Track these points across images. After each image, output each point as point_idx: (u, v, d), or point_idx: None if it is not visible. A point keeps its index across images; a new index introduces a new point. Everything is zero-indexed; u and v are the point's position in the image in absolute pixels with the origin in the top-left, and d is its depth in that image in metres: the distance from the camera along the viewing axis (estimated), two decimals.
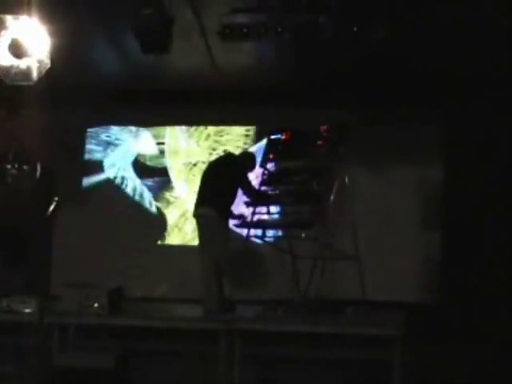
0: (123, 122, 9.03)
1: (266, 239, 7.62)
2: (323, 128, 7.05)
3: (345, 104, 7.96)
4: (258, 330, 6.06)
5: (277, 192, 7.20)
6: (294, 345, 6.46)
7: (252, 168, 7.17)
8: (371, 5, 6.26)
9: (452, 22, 6.38)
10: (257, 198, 7.09)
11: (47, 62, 5.28)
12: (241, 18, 6.51)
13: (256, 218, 7.18)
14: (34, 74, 5.29)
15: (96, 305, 6.09)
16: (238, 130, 8.84)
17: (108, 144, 9.04)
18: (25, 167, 7.52)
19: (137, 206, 8.89)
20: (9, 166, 7.50)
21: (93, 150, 9.04)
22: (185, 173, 8.87)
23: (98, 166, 9.01)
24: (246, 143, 8.79)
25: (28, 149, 7.66)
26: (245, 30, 6.47)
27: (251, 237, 7.39)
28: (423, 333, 6.56)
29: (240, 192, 6.93)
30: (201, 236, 6.89)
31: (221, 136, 8.83)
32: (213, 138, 8.82)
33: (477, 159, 7.80)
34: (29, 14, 5.23)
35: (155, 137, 8.99)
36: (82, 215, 8.70)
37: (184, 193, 8.80)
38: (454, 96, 7.87)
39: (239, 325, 5.98)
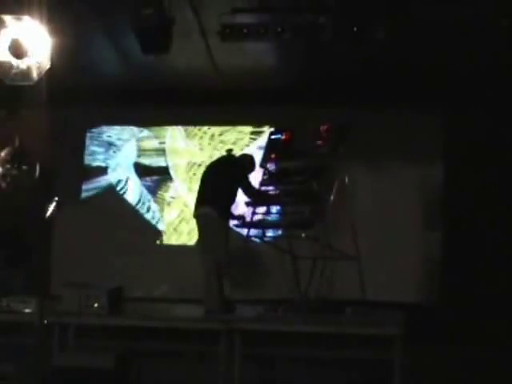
0: (123, 122, 9.01)
1: (266, 239, 7.63)
2: (323, 128, 7.05)
3: (345, 104, 7.96)
4: (258, 329, 6.07)
5: (277, 192, 7.21)
6: (294, 345, 6.46)
7: (251, 170, 7.18)
8: (371, 5, 6.26)
9: (452, 22, 6.38)
10: (257, 198, 7.10)
11: (47, 62, 5.29)
12: (241, 18, 6.51)
13: (256, 217, 7.19)
14: (34, 74, 5.30)
15: (96, 305, 6.10)
16: (241, 130, 8.83)
17: (108, 144, 9.03)
18: (24, 167, 7.52)
19: (137, 206, 8.89)
20: (8, 166, 7.49)
21: (93, 151, 9.03)
22: (185, 173, 8.86)
23: (98, 167, 9.01)
24: (247, 143, 8.78)
25: (28, 149, 7.66)
26: (245, 30, 6.47)
27: (251, 237, 7.40)
28: (423, 333, 6.55)
29: (240, 192, 6.94)
30: (201, 236, 6.90)
31: (224, 136, 8.82)
32: (218, 138, 8.81)
33: (477, 159, 7.80)
34: (29, 14, 5.23)
35: (155, 137, 8.98)
36: (82, 215, 8.70)
37: (184, 193, 8.79)
38: (454, 96, 7.87)
39: (239, 325, 5.98)
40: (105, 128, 9.06)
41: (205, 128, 8.86)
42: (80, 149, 8.98)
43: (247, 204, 7.16)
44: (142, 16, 6.14)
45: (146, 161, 8.96)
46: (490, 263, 7.55)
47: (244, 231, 7.36)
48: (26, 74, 5.27)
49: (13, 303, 6.24)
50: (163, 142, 8.95)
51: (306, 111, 7.98)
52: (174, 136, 8.95)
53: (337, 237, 7.12)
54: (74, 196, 8.75)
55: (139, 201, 8.89)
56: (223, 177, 6.86)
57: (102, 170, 8.98)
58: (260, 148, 8.22)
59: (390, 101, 8.03)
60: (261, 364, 6.65)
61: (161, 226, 8.82)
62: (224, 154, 7.35)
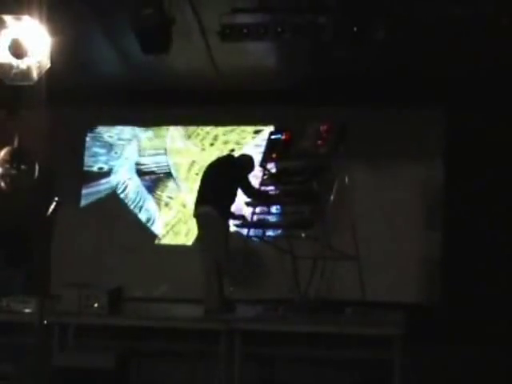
0: (123, 122, 9.01)
1: (266, 239, 7.62)
2: (323, 128, 7.04)
3: (345, 104, 7.96)
4: (258, 329, 6.07)
5: (277, 192, 7.21)
6: (294, 345, 6.46)
7: (251, 170, 7.18)
8: (371, 5, 6.26)
9: (452, 22, 6.38)
10: (257, 198, 7.10)
11: (47, 62, 5.28)
12: (241, 18, 6.50)
13: (256, 217, 7.19)
14: (34, 74, 5.29)
15: (96, 305, 6.10)
16: (243, 129, 8.82)
17: (109, 144, 9.02)
18: (23, 167, 7.51)
19: (136, 206, 8.88)
20: (8, 166, 7.49)
21: (95, 152, 9.02)
22: (185, 172, 8.86)
23: (100, 169, 9.00)
24: (248, 143, 8.77)
25: (27, 149, 7.66)
26: (245, 30, 6.46)
27: (251, 237, 7.40)
28: (423, 333, 6.55)
29: (240, 192, 6.94)
30: (201, 235, 6.90)
31: (227, 136, 8.81)
32: (221, 138, 8.81)
33: (477, 159, 7.80)
34: (29, 13, 5.23)
35: (155, 137, 8.98)
36: (82, 215, 8.70)
37: (185, 193, 8.79)
38: (455, 96, 7.87)
39: (239, 325, 5.99)
40: (105, 128, 9.05)
41: (207, 128, 8.86)
42: (80, 149, 8.98)
43: (247, 204, 7.16)
44: (142, 16, 6.14)
45: (146, 161, 8.96)
46: (490, 263, 7.55)
47: (244, 231, 7.36)
48: (26, 73, 5.27)
49: (13, 303, 6.25)
50: (163, 143, 8.95)
51: (306, 111, 7.98)
52: (174, 136, 8.95)
53: (337, 237, 7.11)
54: (74, 196, 8.74)
55: (139, 201, 8.89)
56: (223, 177, 6.87)
57: (104, 173, 8.97)
58: (257, 146, 8.24)
59: (390, 100, 8.03)
60: (261, 364, 6.66)
61: (159, 227, 8.81)
62: (224, 153, 7.35)
